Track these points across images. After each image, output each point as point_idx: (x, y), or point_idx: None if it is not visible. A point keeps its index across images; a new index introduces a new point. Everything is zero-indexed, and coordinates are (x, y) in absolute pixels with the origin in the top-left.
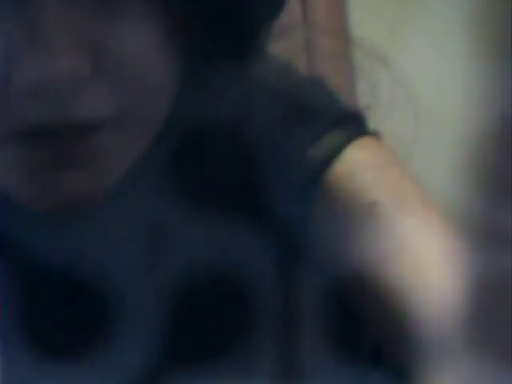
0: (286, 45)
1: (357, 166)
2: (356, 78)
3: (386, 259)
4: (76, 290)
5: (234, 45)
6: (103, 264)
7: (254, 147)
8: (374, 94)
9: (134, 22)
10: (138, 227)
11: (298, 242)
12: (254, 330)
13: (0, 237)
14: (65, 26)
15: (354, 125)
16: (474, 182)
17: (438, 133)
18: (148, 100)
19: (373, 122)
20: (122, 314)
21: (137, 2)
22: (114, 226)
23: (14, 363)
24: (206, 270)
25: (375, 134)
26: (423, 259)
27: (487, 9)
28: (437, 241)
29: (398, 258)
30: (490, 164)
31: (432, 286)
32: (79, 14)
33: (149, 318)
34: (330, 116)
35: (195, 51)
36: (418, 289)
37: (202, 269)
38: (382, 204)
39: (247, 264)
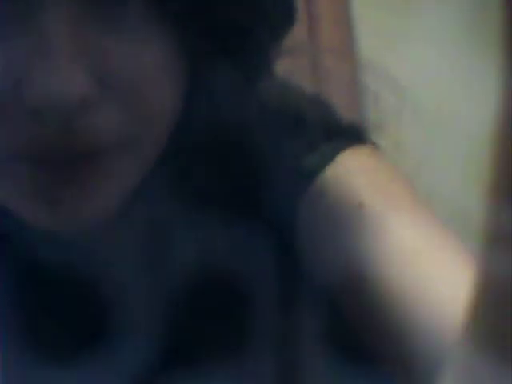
0: (291, 63)
1: (347, 170)
2: (361, 96)
3: (373, 259)
4: (76, 291)
5: (242, 62)
6: (103, 265)
7: (254, 154)
8: (379, 110)
9: (141, 43)
10: (138, 229)
11: (290, 244)
12: (254, 331)
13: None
14: (72, 48)
15: (348, 135)
16: (481, 185)
17: (443, 135)
18: (154, 120)
19: (379, 137)
20: (123, 315)
21: (144, 23)
22: (115, 228)
23: (14, 364)
24: (205, 271)
25: (371, 144)
26: (411, 258)
27: (488, 10)
28: (426, 239)
29: (385, 258)
30: (495, 165)
31: (420, 284)
32: (86, 37)
33: (149, 318)
34: (325, 127)
35: (202, 69)
36: (404, 287)
37: (202, 270)
38: (369, 205)
39: (247, 265)
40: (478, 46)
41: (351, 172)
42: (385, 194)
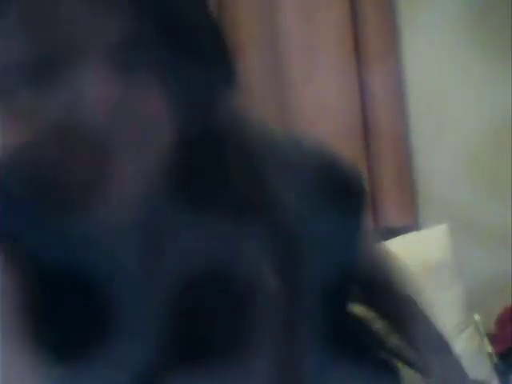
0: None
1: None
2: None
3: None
4: (76, 291)
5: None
6: (103, 264)
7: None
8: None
9: (144, 86)
10: (138, 229)
11: (291, 244)
12: (254, 331)
13: (3, 236)
14: (102, 90)
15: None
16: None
17: (443, 135)
18: (158, 145)
19: None
20: (123, 315)
21: (149, 70)
22: (115, 228)
23: (15, 363)
24: (207, 270)
25: None
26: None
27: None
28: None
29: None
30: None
31: None
32: (111, 81)
33: (150, 318)
34: None
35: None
36: None
37: (204, 269)
38: None
39: (249, 264)
40: (480, 46)
41: None
42: None
